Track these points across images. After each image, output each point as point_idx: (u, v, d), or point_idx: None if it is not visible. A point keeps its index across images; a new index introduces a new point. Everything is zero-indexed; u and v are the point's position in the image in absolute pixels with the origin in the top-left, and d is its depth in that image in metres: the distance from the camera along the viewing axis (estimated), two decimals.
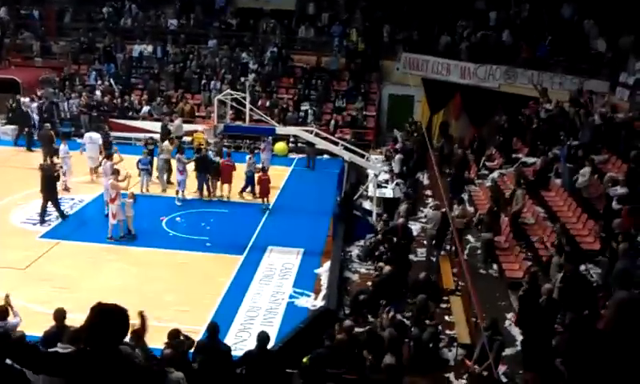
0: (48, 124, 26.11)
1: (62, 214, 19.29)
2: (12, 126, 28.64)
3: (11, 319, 10.66)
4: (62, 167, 20.90)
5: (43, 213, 19.05)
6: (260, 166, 22.34)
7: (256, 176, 21.61)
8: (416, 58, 28.81)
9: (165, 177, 22.39)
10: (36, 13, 34.75)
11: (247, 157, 22.20)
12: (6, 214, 19.48)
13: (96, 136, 24.05)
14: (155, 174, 22.55)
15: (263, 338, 10.16)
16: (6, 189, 21.35)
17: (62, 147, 22.40)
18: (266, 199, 20.99)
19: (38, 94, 29.87)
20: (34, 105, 28.53)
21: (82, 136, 27.45)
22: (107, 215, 18.18)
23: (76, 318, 10.69)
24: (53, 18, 34.80)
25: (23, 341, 6.02)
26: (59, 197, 19.58)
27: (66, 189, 21.51)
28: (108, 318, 4.16)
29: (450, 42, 28.73)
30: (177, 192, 21.02)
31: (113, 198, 17.67)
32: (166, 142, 23.34)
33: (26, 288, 14.46)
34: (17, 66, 32.43)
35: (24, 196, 20.96)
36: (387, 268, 14.48)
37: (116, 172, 18.74)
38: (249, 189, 21.93)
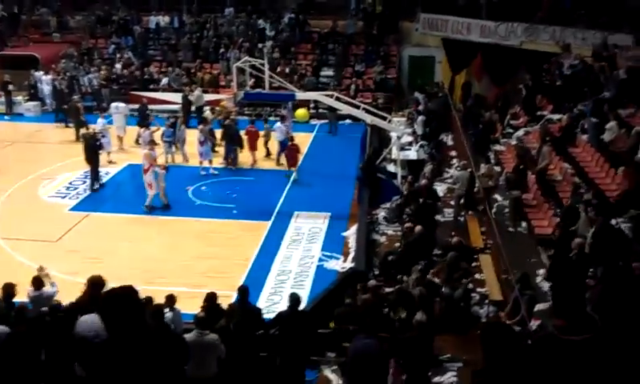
0: (75, 96, 26.39)
1: (92, 186, 19.54)
2: (34, 102, 28.83)
3: (47, 289, 10.86)
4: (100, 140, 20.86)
5: (93, 181, 19.57)
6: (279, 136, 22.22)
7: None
8: (435, 18, 28.39)
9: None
10: None
11: (277, 124, 22.30)
12: (34, 189, 19.70)
13: (122, 105, 24.52)
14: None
15: (295, 299, 10.25)
16: (32, 165, 21.56)
17: (100, 120, 22.52)
18: (292, 167, 20.68)
19: (58, 68, 29.98)
20: (48, 77, 28.72)
21: (103, 110, 27.71)
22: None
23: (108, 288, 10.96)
24: None
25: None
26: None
27: (111, 162, 21.73)
28: (116, 305, 4.03)
29: (469, 1, 28.30)
30: (200, 162, 21.05)
31: (146, 169, 17.79)
32: (208, 112, 23.57)
33: (57, 260, 14.70)
34: (35, 42, 32.53)
35: (50, 171, 21.18)
36: (419, 228, 14.44)
37: (152, 143, 19.00)
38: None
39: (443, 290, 12.26)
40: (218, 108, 25.42)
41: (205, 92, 27.67)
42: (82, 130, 22.73)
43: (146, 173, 17.80)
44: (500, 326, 5.93)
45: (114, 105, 24.82)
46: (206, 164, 21.05)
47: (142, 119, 24.08)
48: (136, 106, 25.58)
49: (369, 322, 10.15)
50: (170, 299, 10.42)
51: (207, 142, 20.93)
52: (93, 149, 19.68)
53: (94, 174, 19.70)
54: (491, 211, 15.56)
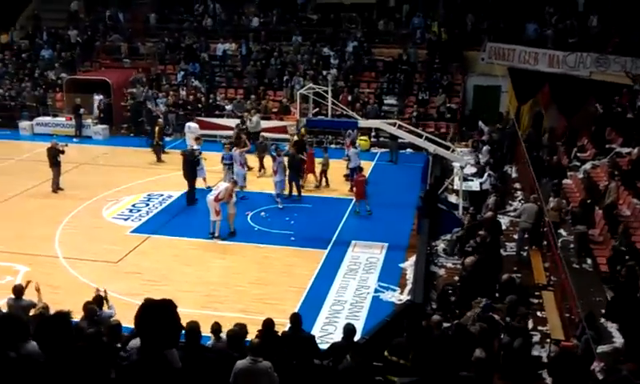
0: (160, 119, 27.41)
1: (188, 201, 20.46)
2: (103, 126, 29.74)
3: (105, 309, 10.97)
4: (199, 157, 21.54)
5: (190, 196, 20.41)
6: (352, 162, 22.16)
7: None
8: (502, 48, 27.89)
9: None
10: (121, 15, 35.90)
11: (352, 150, 22.53)
12: (98, 211, 20.15)
13: (194, 125, 25.61)
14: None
15: (350, 330, 10.03)
16: (97, 186, 22.09)
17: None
18: (359, 202, 20.11)
19: (127, 93, 30.88)
20: (99, 98, 30.18)
21: (169, 134, 28.47)
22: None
23: None
24: (139, 20, 35.85)
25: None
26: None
27: (208, 186, 21.43)
28: (152, 316, 3.89)
29: (538, 30, 27.78)
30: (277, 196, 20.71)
31: (221, 198, 17.77)
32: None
33: (118, 281, 14.95)
34: (106, 67, 33.60)
35: (114, 193, 21.65)
36: (469, 259, 14.05)
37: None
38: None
39: (502, 336, 11.76)
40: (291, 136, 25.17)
41: (268, 119, 28.01)
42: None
43: (217, 201, 17.80)
44: (570, 355, 5.57)
45: (187, 125, 25.90)
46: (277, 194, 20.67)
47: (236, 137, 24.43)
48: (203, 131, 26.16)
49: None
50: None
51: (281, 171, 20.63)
52: (191, 165, 20.51)
53: (191, 189, 20.42)
54: (556, 246, 15.01)
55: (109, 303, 11.23)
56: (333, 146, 26.69)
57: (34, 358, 5.01)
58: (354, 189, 20.57)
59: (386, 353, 9.98)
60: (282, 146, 23.03)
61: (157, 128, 25.94)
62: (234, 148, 22.20)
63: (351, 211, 20.20)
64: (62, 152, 21.80)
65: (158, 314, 3.83)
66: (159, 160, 25.55)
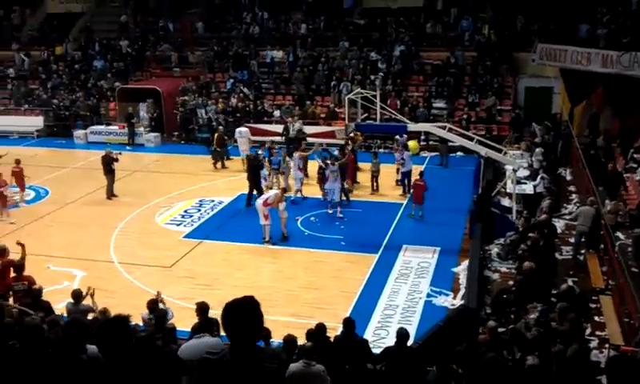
0: (220, 127, 27.75)
1: (248, 201, 20.82)
2: (155, 134, 30.26)
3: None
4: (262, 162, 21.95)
5: (250, 198, 20.84)
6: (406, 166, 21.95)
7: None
8: (553, 49, 27.37)
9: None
10: (170, 25, 36.51)
11: (396, 155, 22.59)
12: (151, 217, 20.46)
13: (245, 130, 25.93)
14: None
15: (403, 334, 9.92)
16: (150, 193, 22.49)
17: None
18: (417, 206, 19.88)
19: (179, 101, 31.35)
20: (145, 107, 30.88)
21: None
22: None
23: (218, 314, 11.09)
24: (188, 30, 36.37)
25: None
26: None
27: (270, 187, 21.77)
28: (235, 313, 4.06)
29: (590, 30, 27.17)
30: (324, 197, 20.81)
31: (270, 203, 17.87)
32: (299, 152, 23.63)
33: (171, 285, 15.13)
34: (157, 76, 34.20)
35: (166, 199, 21.97)
36: (527, 264, 13.77)
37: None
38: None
39: (556, 347, 11.39)
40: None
41: (313, 124, 28.16)
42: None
43: (266, 205, 17.88)
44: (629, 358, 5.37)
45: (237, 130, 26.22)
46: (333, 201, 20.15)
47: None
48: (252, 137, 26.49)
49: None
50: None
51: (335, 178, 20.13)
52: (255, 169, 21.02)
53: (251, 192, 20.90)
54: (614, 250, 14.60)
55: (165, 306, 11.37)
56: (381, 150, 26.52)
57: (98, 360, 5.09)
58: (413, 192, 20.19)
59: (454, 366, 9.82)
60: (333, 149, 22.83)
61: (216, 135, 26.13)
62: (296, 152, 22.54)
63: (402, 215, 20.06)
64: (116, 160, 22.21)
65: (242, 311, 4.01)
66: (218, 166, 25.76)
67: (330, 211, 20.15)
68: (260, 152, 22.58)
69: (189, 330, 10.12)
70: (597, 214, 15.58)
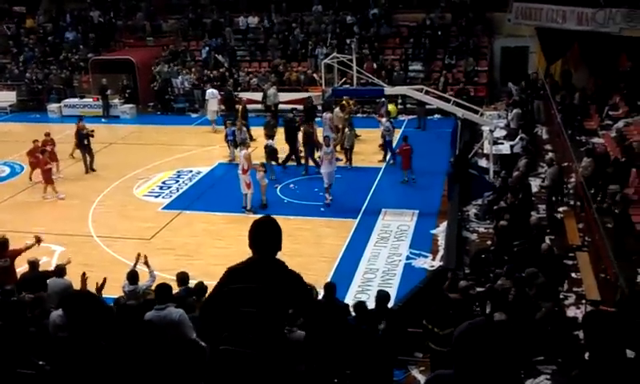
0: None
1: (284, 161, 21.36)
2: (130, 105, 29.91)
3: (141, 283, 11.11)
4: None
5: (287, 159, 21.48)
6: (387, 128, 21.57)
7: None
8: (529, 7, 27.28)
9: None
10: None
11: (383, 120, 21.81)
12: (129, 189, 20.33)
13: (215, 91, 27.16)
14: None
15: (383, 296, 10.00)
16: (127, 165, 22.27)
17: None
18: (409, 171, 19.81)
19: (153, 71, 30.96)
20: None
21: (195, 111, 28.61)
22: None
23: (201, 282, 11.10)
24: None
25: None
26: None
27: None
28: (263, 229, 4.67)
29: None
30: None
31: (245, 169, 17.89)
32: (337, 109, 23.50)
33: (152, 257, 14.92)
34: (130, 46, 33.68)
35: (144, 171, 21.82)
36: (502, 222, 13.92)
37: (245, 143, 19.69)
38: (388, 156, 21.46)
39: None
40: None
41: (293, 90, 27.95)
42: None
43: (245, 173, 17.85)
44: (604, 314, 5.42)
45: (208, 91, 26.94)
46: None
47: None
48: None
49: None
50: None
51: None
52: (291, 130, 21.43)
53: (290, 154, 21.45)
54: (591, 206, 14.77)
55: (150, 269, 11.36)
56: (359, 115, 26.47)
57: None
58: (402, 159, 19.98)
59: (424, 321, 9.94)
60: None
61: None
62: (326, 112, 22.70)
63: (381, 180, 20.11)
64: (91, 135, 21.95)
65: (266, 227, 4.69)
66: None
67: (328, 201, 18.48)
68: (293, 115, 22.81)
69: None
70: (559, 172, 16.09)
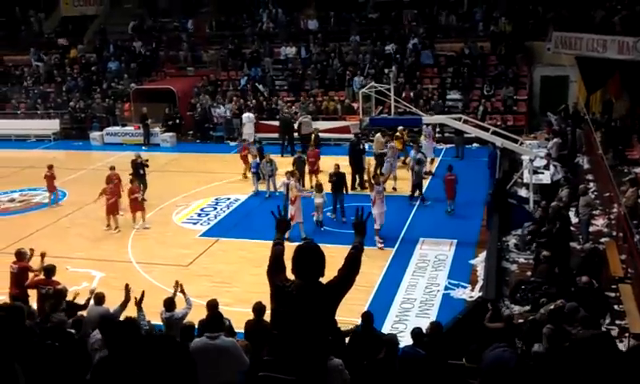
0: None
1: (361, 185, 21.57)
2: (170, 133, 30.38)
3: (178, 310, 11.11)
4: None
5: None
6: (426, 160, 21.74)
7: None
8: (568, 37, 27.10)
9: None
10: (186, 23, 36.64)
11: (412, 152, 21.36)
12: (168, 216, 20.56)
13: (252, 115, 28.52)
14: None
15: (416, 333, 9.82)
16: (166, 192, 22.53)
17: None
18: (450, 201, 19.67)
19: (192, 101, 31.44)
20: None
21: (234, 140, 28.94)
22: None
23: (235, 311, 11.11)
24: (202, 29, 36.45)
25: None
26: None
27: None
28: (306, 255, 4.99)
29: (605, 17, 26.82)
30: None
31: (293, 200, 17.90)
32: (378, 135, 23.59)
33: (189, 284, 14.96)
34: (171, 76, 34.30)
35: (183, 198, 22.05)
36: (544, 253, 13.67)
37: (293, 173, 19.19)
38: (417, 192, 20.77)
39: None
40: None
41: (330, 119, 28.18)
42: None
43: (292, 203, 17.82)
44: None
45: (245, 115, 28.15)
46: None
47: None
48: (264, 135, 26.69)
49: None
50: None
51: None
52: (358, 153, 22.07)
53: (353, 177, 21.92)
54: (633, 237, 14.44)
55: (186, 296, 11.36)
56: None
57: None
58: (446, 188, 19.74)
59: (464, 360, 9.76)
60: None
61: (313, 135, 25.76)
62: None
63: (418, 208, 19.98)
64: (146, 165, 22.02)
65: (309, 254, 5.04)
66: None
67: (380, 245, 17.53)
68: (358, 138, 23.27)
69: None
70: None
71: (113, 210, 19.64)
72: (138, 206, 19.66)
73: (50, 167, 22.08)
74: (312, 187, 20.21)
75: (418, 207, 20.10)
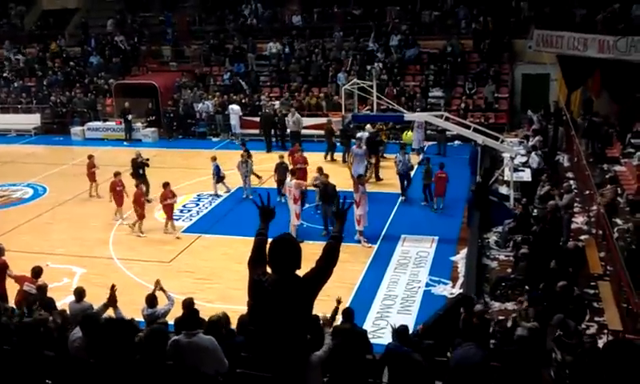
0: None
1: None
2: (152, 129, 30.23)
3: (160, 307, 11.09)
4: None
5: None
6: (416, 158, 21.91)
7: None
8: (550, 34, 27.24)
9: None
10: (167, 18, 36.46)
11: (397, 154, 20.99)
12: (150, 212, 20.40)
13: (237, 108, 28.84)
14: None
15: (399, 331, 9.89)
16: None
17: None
18: (439, 198, 19.64)
19: (175, 97, 31.31)
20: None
21: (217, 135, 28.83)
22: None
23: (216, 307, 11.10)
24: (184, 23, 36.26)
25: None
26: None
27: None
28: (281, 247, 4.96)
29: (586, 15, 27.04)
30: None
31: (297, 199, 17.74)
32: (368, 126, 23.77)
33: (171, 280, 15.04)
34: (153, 71, 34.10)
35: None
36: (523, 250, 13.83)
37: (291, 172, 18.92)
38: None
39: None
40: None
41: (311, 115, 28.20)
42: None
43: (296, 202, 17.70)
44: (627, 343, 5.33)
45: (230, 106, 28.40)
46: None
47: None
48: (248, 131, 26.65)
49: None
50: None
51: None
52: (373, 144, 22.36)
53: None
54: (612, 235, 14.63)
55: (167, 293, 11.31)
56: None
57: None
58: (435, 185, 19.76)
59: (449, 354, 9.84)
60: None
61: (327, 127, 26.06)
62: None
63: (400, 205, 20.07)
64: (147, 165, 21.52)
65: (284, 246, 5.01)
66: (328, 158, 25.60)
67: (367, 245, 17.50)
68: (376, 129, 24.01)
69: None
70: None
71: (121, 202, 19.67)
72: (143, 212, 18.94)
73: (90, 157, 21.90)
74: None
75: (400, 205, 20.17)
